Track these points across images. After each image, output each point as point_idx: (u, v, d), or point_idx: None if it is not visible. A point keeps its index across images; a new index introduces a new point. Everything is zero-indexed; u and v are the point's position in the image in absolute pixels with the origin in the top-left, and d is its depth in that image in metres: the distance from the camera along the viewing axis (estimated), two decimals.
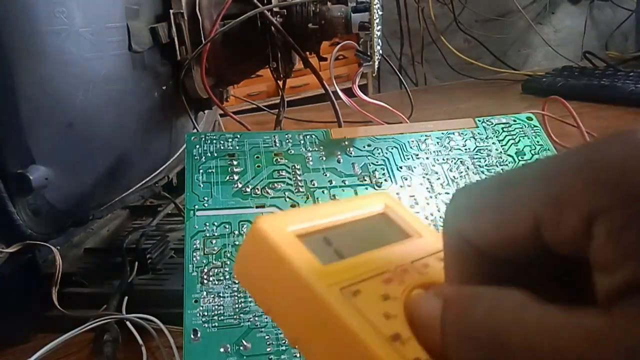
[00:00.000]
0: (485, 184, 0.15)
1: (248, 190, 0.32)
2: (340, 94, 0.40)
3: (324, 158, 0.35)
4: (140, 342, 0.33)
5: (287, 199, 0.32)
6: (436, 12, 1.42)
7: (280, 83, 0.49)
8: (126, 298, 0.36)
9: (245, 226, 0.31)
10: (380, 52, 0.41)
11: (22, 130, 0.32)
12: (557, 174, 0.13)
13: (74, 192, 0.36)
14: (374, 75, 0.50)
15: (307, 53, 0.45)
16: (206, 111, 0.49)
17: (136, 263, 0.39)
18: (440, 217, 0.33)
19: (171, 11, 0.40)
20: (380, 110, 0.42)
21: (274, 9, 0.42)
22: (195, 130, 0.46)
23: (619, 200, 0.12)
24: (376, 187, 0.34)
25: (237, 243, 0.30)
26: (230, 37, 0.42)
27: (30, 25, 0.32)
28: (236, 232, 0.30)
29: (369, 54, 0.39)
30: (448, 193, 0.34)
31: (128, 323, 0.34)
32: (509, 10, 1.58)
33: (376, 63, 0.39)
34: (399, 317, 0.15)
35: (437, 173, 0.36)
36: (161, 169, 0.43)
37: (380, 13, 0.39)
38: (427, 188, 0.35)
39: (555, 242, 0.13)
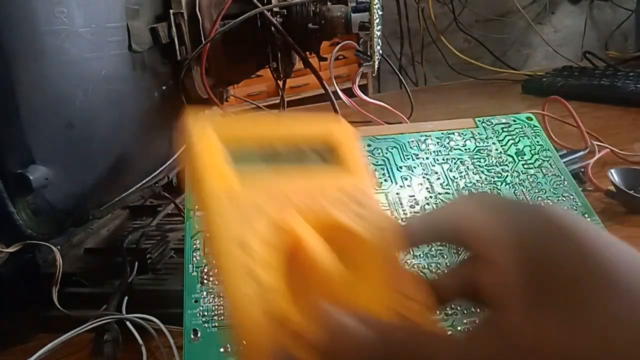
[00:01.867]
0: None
1: None
2: (340, 94, 0.40)
3: None
4: (140, 342, 0.33)
5: None
6: (436, 12, 1.42)
7: (280, 83, 0.49)
8: (126, 298, 0.36)
9: None
10: (380, 52, 0.41)
11: (22, 130, 0.32)
12: None
13: (74, 192, 0.36)
14: (374, 75, 0.50)
15: (307, 53, 0.45)
16: (206, 111, 0.49)
17: (136, 263, 0.39)
18: None
19: (171, 11, 0.40)
20: (380, 110, 0.42)
21: (274, 9, 0.42)
22: None
23: None
24: (376, 187, 0.34)
25: None
26: (230, 37, 0.42)
27: (30, 26, 0.32)
28: None
29: (369, 54, 0.39)
30: (448, 193, 0.34)
31: (128, 323, 0.34)
32: (509, 10, 1.58)
33: (376, 63, 0.39)
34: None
35: (437, 173, 0.36)
36: (161, 169, 0.43)
37: (380, 13, 0.39)
38: (427, 188, 0.35)
39: None
